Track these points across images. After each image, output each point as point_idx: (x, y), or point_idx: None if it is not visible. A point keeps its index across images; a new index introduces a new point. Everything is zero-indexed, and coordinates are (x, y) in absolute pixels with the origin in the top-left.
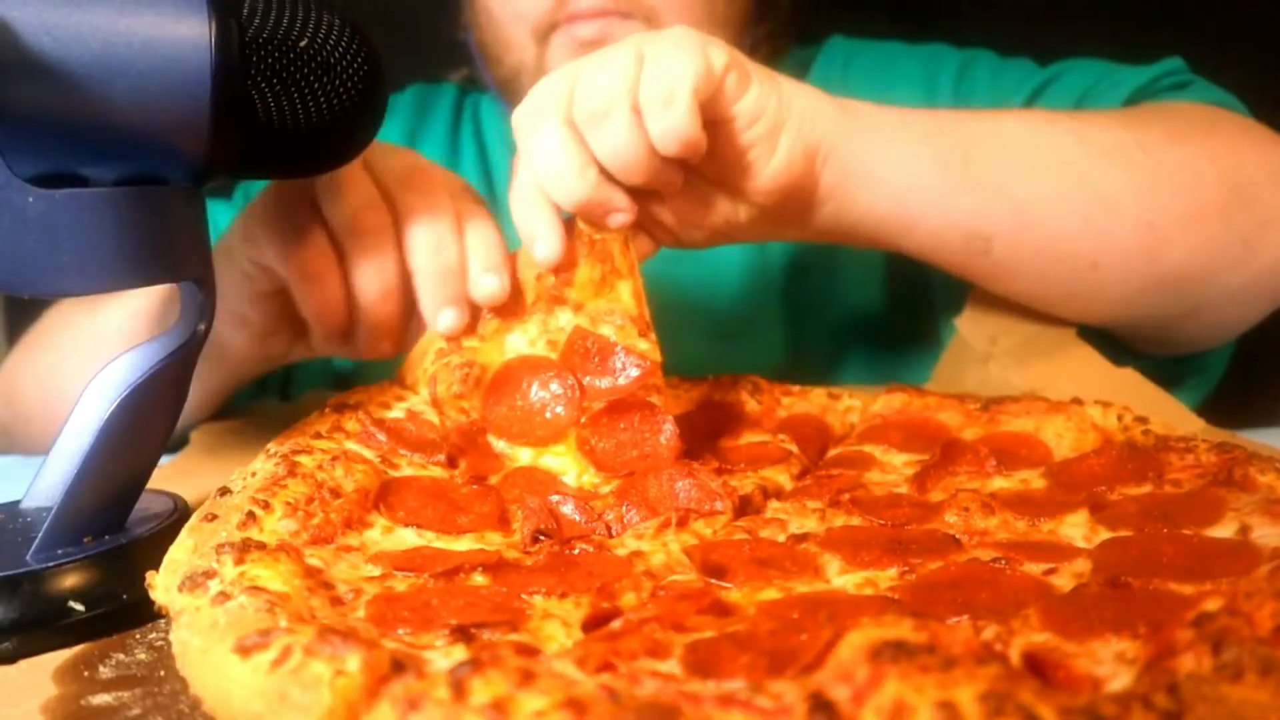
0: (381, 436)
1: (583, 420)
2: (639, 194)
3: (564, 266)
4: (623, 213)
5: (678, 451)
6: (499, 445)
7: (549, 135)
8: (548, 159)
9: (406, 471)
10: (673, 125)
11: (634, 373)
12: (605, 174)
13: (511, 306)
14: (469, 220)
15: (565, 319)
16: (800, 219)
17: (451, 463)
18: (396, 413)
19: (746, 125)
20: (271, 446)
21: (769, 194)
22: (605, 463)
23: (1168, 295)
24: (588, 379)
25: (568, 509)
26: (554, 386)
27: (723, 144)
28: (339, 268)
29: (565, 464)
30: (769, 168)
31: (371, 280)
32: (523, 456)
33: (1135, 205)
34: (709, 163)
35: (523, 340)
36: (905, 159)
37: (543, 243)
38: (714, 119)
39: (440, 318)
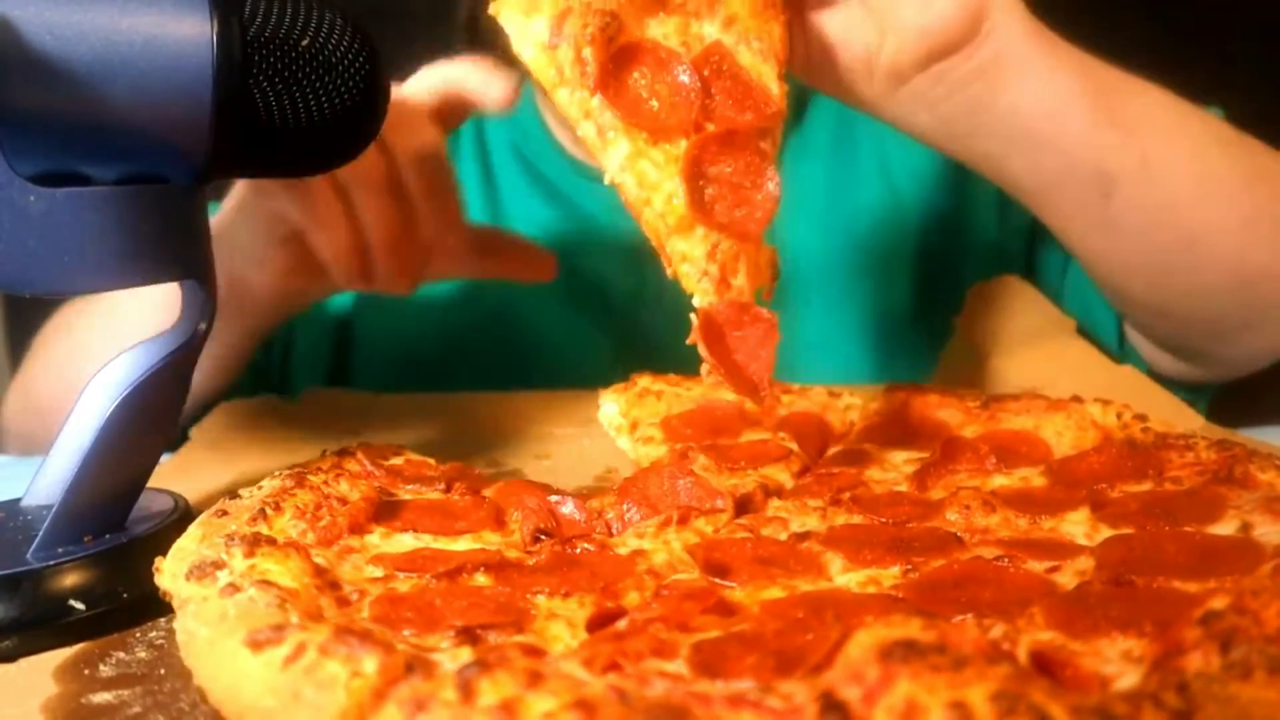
0: (380, 474)
1: (696, 136)
2: None
3: None
4: None
5: (776, 203)
6: (603, 119)
7: None
8: None
9: (406, 497)
10: None
11: (762, 110)
12: None
13: None
14: None
15: (709, 30)
16: (936, 93)
17: (449, 490)
18: (396, 460)
19: None
20: (277, 471)
21: (924, 34)
22: (702, 202)
23: (1245, 296)
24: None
25: (567, 509)
26: (685, 79)
27: None
28: (348, 213)
29: (660, 178)
30: (936, 4)
31: (377, 226)
32: (616, 154)
33: (1241, 195)
34: None
35: (658, 31)
36: (1064, 71)
37: None
38: None
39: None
